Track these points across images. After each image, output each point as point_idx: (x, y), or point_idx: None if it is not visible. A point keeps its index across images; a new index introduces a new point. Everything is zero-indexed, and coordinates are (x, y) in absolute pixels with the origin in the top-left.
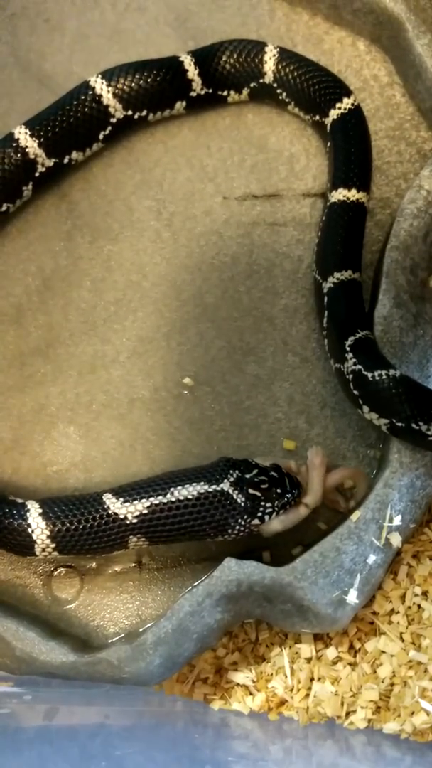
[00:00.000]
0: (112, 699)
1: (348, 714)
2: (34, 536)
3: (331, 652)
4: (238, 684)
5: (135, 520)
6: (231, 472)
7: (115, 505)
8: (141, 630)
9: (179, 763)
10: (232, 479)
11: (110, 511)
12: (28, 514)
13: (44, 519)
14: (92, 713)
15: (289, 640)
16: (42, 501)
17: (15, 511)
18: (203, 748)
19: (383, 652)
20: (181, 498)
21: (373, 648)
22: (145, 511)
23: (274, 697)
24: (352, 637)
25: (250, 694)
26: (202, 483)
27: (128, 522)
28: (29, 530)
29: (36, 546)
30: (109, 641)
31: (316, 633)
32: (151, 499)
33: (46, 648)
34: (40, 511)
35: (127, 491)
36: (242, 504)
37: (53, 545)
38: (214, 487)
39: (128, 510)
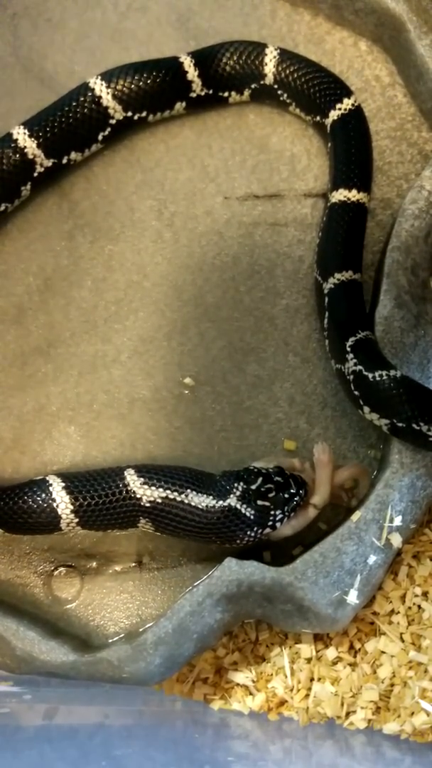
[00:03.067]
0: (111, 699)
1: (348, 714)
2: (59, 510)
3: (331, 653)
4: (238, 684)
5: (148, 504)
6: (236, 485)
7: (135, 483)
8: (141, 630)
9: (179, 763)
10: (238, 493)
11: (129, 488)
12: (51, 488)
13: (67, 493)
14: (92, 713)
15: (289, 640)
16: (62, 475)
17: (36, 488)
18: (203, 748)
19: (383, 652)
20: (193, 504)
21: (373, 648)
22: (159, 501)
23: (274, 697)
24: (352, 637)
25: (250, 694)
26: (211, 498)
27: (142, 503)
28: (54, 504)
29: (62, 521)
30: (109, 641)
31: (317, 633)
32: (168, 491)
33: (47, 647)
34: (63, 485)
35: (150, 472)
36: (251, 517)
37: (77, 520)
38: (221, 502)
39: (145, 492)
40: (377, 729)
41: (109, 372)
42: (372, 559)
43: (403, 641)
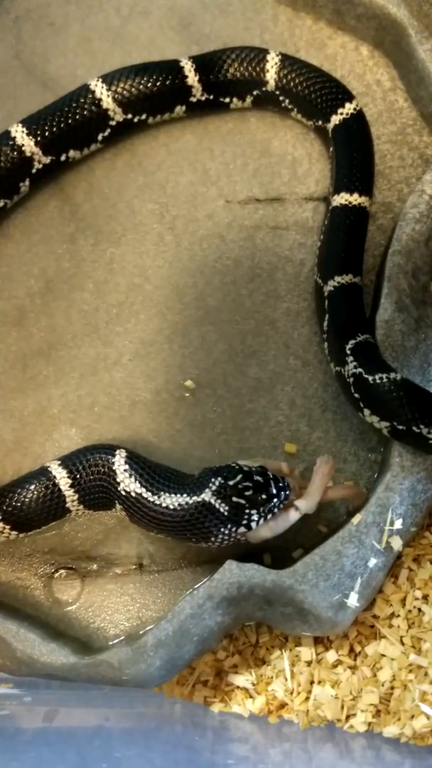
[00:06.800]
0: (111, 701)
1: (348, 717)
2: (63, 489)
3: (331, 656)
4: (238, 687)
5: (123, 493)
6: (213, 480)
7: (120, 466)
8: (141, 632)
9: (178, 765)
10: (213, 488)
11: (114, 467)
12: (49, 469)
13: (64, 468)
14: (92, 715)
15: (290, 643)
16: (58, 458)
17: (36, 475)
18: (203, 750)
19: (383, 655)
20: (164, 505)
21: (374, 651)
22: (133, 495)
23: (274, 700)
24: (353, 640)
25: (250, 696)
26: (184, 495)
27: (118, 489)
28: (57, 482)
29: (68, 500)
30: (110, 643)
31: (317, 636)
32: (143, 489)
33: (47, 650)
34: (59, 462)
35: (135, 464)
36: (225, 513)
37: (77, 496)
38: (194, 498)
39: (123, 479)
40: (377, 732)
41: (111, 374)
42: (372, 562)
43: (403, 644)
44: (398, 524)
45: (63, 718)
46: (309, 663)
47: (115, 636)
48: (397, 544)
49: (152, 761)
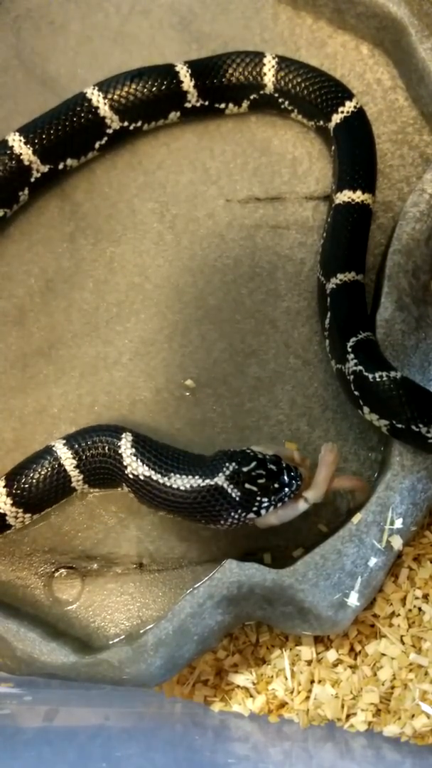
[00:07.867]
0: (111, 700)
1: (348, 717)
2: (68, 468)
3: (331, 655)
4: (238, 686)
5: (131, 476)
6: (227, 464)
7: (127, 450)
8: (142, 631)
9: (178, 764)
10: (227, 472)
11: (120, 450)
12: (55, 449)
13: (68, 448)
14: (92, 715)
15: (290, 642)
16: (65, 437)
17: (47, 454)
18: (203, 750)
19: (384, 654)
20: (175, 486)
21: (374, 651)
22: (142, 478)
23: (275, 699)
24: (353, 639)
25: (251, 696)
26: (197, 477)
27: (125, 472)
28: (62, 460)
29: (73, 479)
30: (110, 642)
31: (317, 635)
32: (152, 472)
33: (47, 649)
34: (64, 441)
35: (142, 446)
36: (236, 498)
37: (82, 477)
38: (207, 481)
39: (131, 462)
40: (377, 731)
41: (111, 374)
42: (373, 561)
43: (403, 644)
44: (398, 523)
45: (63, 717)
46: (309, 662)
47: (116, 635)
48: (397, 543)
49: (152, 760)
